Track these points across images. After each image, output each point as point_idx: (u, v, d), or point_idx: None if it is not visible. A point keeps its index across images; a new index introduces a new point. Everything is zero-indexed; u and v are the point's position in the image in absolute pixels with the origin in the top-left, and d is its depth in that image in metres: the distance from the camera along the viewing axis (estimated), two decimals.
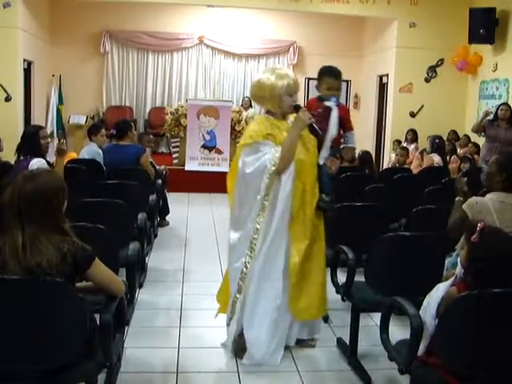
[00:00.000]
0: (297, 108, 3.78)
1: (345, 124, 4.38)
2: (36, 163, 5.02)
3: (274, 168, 3.70)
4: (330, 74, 4.24)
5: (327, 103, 4.17)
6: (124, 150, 6.92)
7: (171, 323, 4.59)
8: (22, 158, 5.20)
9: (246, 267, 3.87)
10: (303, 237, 3.87)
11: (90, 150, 7.07)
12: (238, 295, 3.93)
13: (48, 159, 5.53)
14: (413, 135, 10.77)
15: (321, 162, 4.01)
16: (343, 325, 4.37)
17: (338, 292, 3.95)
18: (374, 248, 3.69)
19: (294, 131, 3.74)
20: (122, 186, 5.63)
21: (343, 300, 3.95)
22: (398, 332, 3.83)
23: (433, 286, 2.94)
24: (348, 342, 4.03)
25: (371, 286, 3.67)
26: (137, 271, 3.96)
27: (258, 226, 3.80)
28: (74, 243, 2.60)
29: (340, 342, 4.22)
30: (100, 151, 7.08)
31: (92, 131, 7.25)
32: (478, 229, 2.76)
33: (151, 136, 7.46)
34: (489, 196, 3.79)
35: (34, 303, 2.46)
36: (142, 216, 4.96)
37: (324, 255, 4.04)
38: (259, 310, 3.89)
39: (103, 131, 7.29)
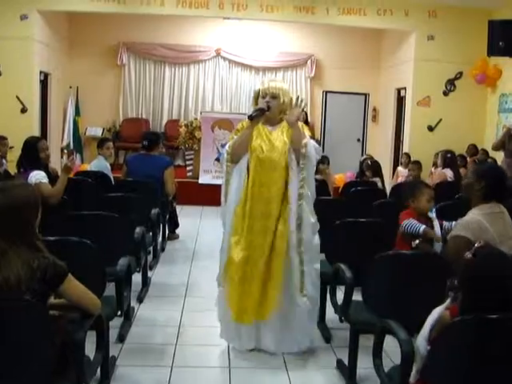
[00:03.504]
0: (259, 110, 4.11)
1: None
2: (35, 176, 4.95)
3: (228, 156, 4.16)
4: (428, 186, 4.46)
5: (430, 215, 4.40)
6: (152, 161, 6.99)
7: (167, 340, 4.46)
8: (21, 170, 5.14)
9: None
10: (243, 231, 4.10)
11: (97, 164, 7.10)
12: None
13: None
14: (407, 159, 10.40)
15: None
16: (347, 346, 4.12)
17: (336, 312, 3.79)
18: (373, 266, 3.52)
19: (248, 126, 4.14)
20: (123, 198, 5.54)
21: (341, 321, 3.79)
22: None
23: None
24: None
25: (369, 307, 3.50)
26: (125, 287, 3.83)
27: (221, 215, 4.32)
28: (46, 259, 2.49)
29: (340, 363, 4.05)
30: (107, 164, 7.15)
31: (99, 145, 7.28)
32: (475, 246, 2.60)
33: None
34: (474, 212, 3.62)
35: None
36: (139, 230, 4.83)
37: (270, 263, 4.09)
38: None
39: (109, 144, 7.29)
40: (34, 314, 2.38)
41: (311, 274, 4.13)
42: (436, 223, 4.32)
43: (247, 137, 4.11)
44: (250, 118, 4.08)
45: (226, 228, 4.21)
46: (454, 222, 4.01)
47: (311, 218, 4.14)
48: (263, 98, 4.15)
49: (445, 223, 4.32)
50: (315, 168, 4.30)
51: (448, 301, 2.69)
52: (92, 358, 2.93)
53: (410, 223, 4.20)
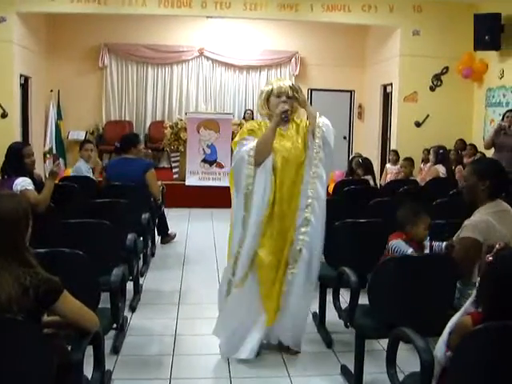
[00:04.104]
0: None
1: None
2: (20, 183, 4.78)
3: (251, 159, 3.93)
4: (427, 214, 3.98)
5: (425, 242, 4.00)
6: (131, 164, 6.69)
7: (164, 351, 4.29)
8: (5, 177, 4.95)
9: (235, 263, 4.02)
10: (276, 233, 3.97)
11: (76, 168, 6.99)
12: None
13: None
14: (395, 156, 10.24)
15: None
16: (349, 350, 4.01)
17: (340, 317, 3.64)
18: (379, 270, 3.37)
19: (270, 125, 4.01)
20: (112, 204, 5.33)
21: (346, 326, 3.64)
22: (413, 358, 3.46)
23: (443, 312, 2.63)
24: (353, 370, 3.72)
25: (376, 312, 3.35)
26: (121, 298, 3.65)
27: (241, 219, 3.99)
28: (38, 275, 2.31)
29: (344, 369, 3.91)
30: (87, 167, 7.03)
31: (79, 147, 7.13)
32: (495, 248, 2.46)
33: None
34: (481, 212, 3.48)
35: None
36: (131, 237, 4.65)
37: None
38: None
39: (88, 146, 7.18)
40: (28, 334, 2.19)
41: (305, 258, 3.97)
42: (426, 251, 3.92)
43: (271, 138, 3.98)
44: (286, 120, 4.00)
45: (251, 231, 3.94)
46: (444, 243, 3.79)
47: (322, 202, 4.02)
48: (278, 97, 4.07)
49: (434, 244, 4.04)
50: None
51: (467, 304, 2.55)
52: (89, 375, 2.75)
53: (397, 245, 3.83)
